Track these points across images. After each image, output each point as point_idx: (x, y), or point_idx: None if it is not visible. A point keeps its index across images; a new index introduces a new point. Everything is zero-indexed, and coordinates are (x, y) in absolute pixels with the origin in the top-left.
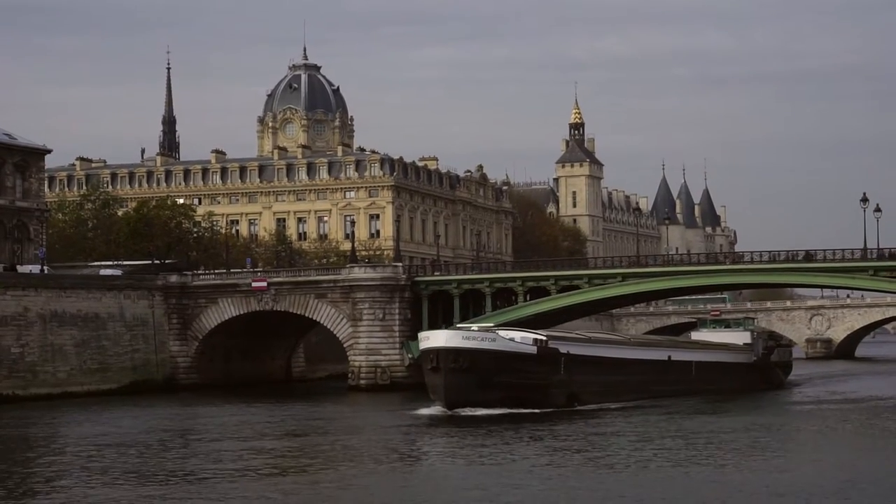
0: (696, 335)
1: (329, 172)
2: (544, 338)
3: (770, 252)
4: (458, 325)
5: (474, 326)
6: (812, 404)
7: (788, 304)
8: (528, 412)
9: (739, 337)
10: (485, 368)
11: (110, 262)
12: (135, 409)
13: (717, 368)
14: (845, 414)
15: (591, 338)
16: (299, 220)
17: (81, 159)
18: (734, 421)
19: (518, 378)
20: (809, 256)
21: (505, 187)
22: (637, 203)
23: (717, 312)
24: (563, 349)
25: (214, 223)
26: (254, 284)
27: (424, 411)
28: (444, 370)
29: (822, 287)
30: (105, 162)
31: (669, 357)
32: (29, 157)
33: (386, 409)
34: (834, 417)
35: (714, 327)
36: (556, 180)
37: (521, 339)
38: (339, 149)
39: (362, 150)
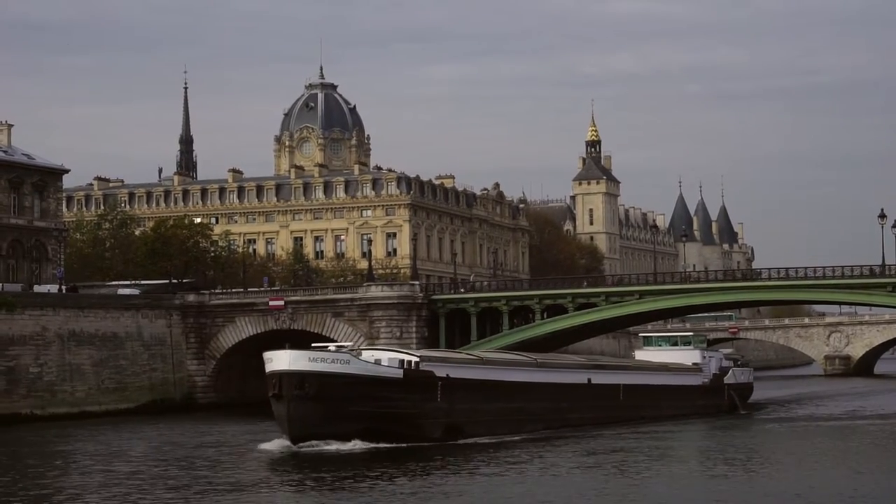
0: (639, 354)
1: (346, 191)
2: (416, 359)
3: (787, 269)
4: (314, 346)
5: (331, 346)
6: (744, 430)
7: (806, 320)
8: (392, 447)
9: (686, 356)
10: (336, 396)
11: (128, 282)
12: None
13: (653, 392)
14: (776, 437)
15: (482, 358)
16: (316, 238)
17: (99, 179)
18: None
19: (380, 407)
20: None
21: (521, 205)
22: (654, 220)
23: (735, 329)
24: (440, 372)
25: (231, 242)
26: (271, 303)
27: (266, 446)
28: (288, 398)
29: (839, 304)
30: (122, 181)
31: (589, 380)
32: (47, 178)
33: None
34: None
35: (660, 345)
36: (573, 198)
37: (386, 361)
38: (356, 167)
39: (379, 168)
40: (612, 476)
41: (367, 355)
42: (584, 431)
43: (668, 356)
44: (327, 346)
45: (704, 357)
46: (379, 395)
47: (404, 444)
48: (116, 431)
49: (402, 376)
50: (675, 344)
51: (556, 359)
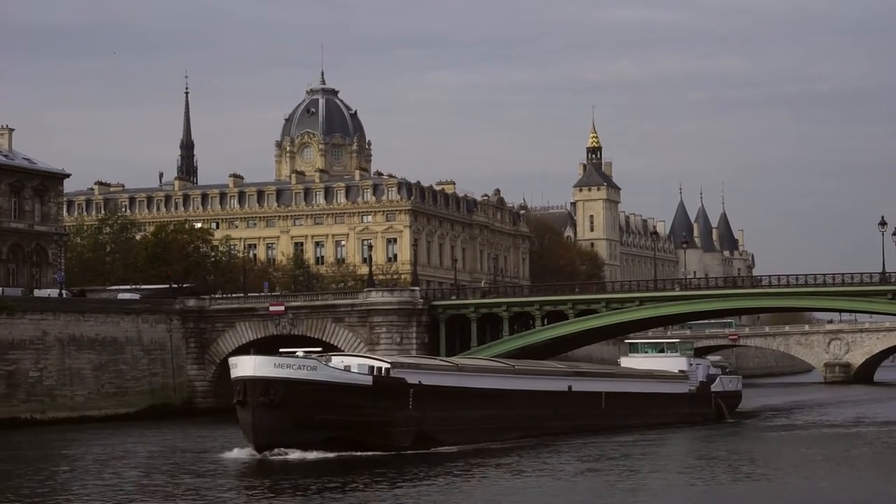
0: (624, 361)
1: (346, 197)
2: (387, 365)
3: (787, 276)
4: (282, 351)
5: (299, 352)
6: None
7: (806, 328)
8: (360, 456)
9: (673, 363)
10: (303, 403)
11: (128, 287)
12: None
13: (637, 400)
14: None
15: (457, 365)
16: (317, 244)
17: (100, 184)
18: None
19: (348, 415)
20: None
21: (522, 211)
22: (654, 227)
23: (736, 336)
24: (411, 379)
25: (232, 247)
26: (271, 308)
27: (231, 454)
28: (252, 405)
29: (839, 311)
30: (123, 186)
31: (570, 387)
32: (48, 182)
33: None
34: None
35: (646, 352)
36: (574, 204)
37: (356, 368)
38: (357, 173)
39: (380, 174)
40: (590, 487)
41: (337, 361)
42: (563, 440)
43: (653, 363)
44: (295, 352)
45: (691, 364)
46: (347, 402)
47: (373, 453)
48: (115, 436)
49: (371, 383)
50: (662, 351)
51: (535, 366)
